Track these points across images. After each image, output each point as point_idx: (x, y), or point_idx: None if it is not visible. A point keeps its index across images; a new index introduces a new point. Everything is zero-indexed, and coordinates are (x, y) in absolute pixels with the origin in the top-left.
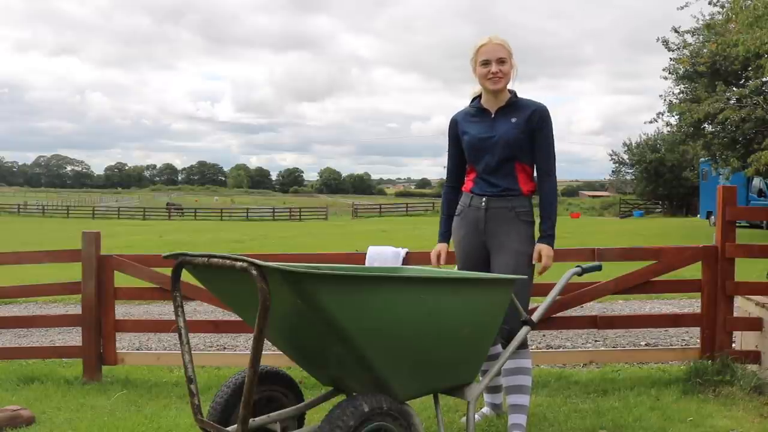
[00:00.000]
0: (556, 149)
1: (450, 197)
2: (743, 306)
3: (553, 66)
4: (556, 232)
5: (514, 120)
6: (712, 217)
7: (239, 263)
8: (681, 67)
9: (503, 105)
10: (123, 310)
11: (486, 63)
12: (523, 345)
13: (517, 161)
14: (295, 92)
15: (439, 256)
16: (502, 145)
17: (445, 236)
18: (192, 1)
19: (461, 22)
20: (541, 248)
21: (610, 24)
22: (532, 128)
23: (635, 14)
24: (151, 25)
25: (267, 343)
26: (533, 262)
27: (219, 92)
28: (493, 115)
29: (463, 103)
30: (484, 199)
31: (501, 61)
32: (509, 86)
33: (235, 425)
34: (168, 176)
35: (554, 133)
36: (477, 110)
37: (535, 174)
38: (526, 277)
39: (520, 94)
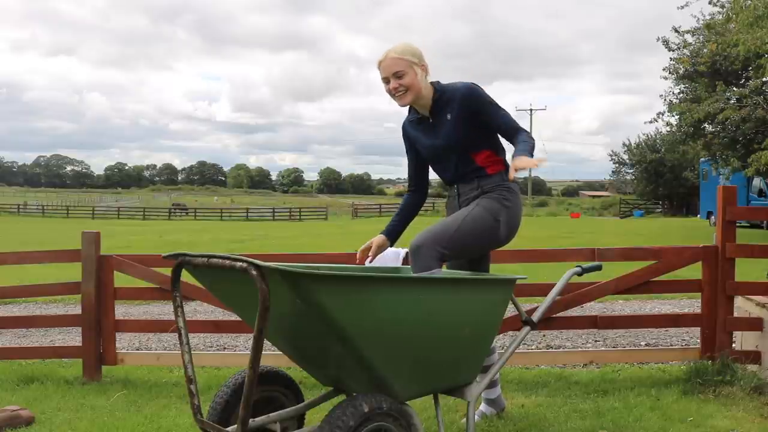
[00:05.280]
0: (552, 147)
1: (407, 201)
2: (743, 306)
3: (550, 66)
4: (557, 232)
5: (449, 116)
6: (713, 217)
7: (239, 263)
8: (681, 66)
9: (432, 105)
10: (123, 310)
11: (386, 80)
12: None
13: (471, 152)
14: (293, 92)
15: (368, 249)
16: (450, 146)
17: (385, 231)
18: (189, 2)
19: (458, 22)
20: (515, 160)
21: (607, 24)
22: (469, 113)
23: (631, 14)
24: (149, 26)
25: (267, 343)
26: (511, 177)
27: (216, 92)
28: (431, 119)
29: None
30: (456, 186)
31: (398, 76)
32: (430, 81)
33: (235, 425)
34: (168, 176)
35: (549, 133)
36: (417, 118)
37: (497, 155)
38: (526, 277)
39: (511, 94)
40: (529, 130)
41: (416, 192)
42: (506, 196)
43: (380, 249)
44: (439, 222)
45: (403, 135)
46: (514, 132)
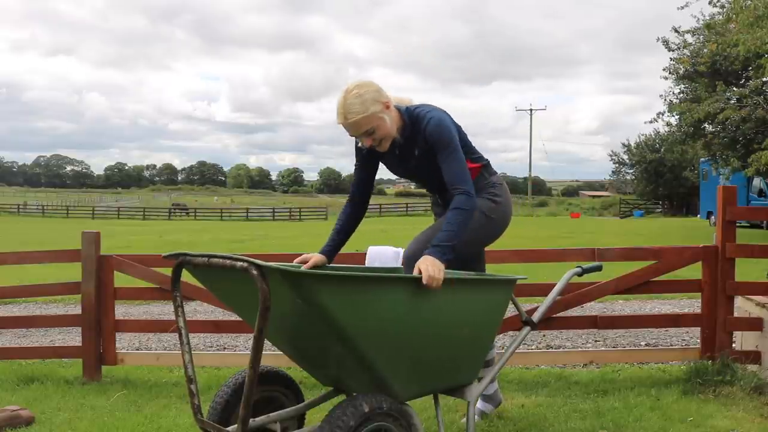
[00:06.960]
0: (552, 147)
1: (347, 213)
2: (743, 306)
3: (549, 66)
4: (557, 232)
5: (416, 152)
6: (713, 217)
7: (239, 263)
8: (681, 66)
9: (403, 141)
10: (123, 310)
11: (358, 137)
12: None
13: None
14: (292, 92)
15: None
16: (423, 176)
17: (324, 251)
18: (187, 2)
19: (457, 22)
20: (421, 259)
21: (605, 24)
22: (432, 148)
23: (629, 14)
24: (147, 26)
25: (267, 343)
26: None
27: (215, 92)
28: (397, 151)
29: (459, 102)
30: (438, 195)
31: (369, 132)
32: (395, 115)
33: (235, 425)
34: (168, 176)
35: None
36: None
37: (473, 162)
38: (526, 277)
39: (511, 94)
40: (529, 130)
41: (358, 203)
42: (495, 192)
43: (316, 268)
44: (432, 227)
45: (356, 151)
46: (451, 191)
